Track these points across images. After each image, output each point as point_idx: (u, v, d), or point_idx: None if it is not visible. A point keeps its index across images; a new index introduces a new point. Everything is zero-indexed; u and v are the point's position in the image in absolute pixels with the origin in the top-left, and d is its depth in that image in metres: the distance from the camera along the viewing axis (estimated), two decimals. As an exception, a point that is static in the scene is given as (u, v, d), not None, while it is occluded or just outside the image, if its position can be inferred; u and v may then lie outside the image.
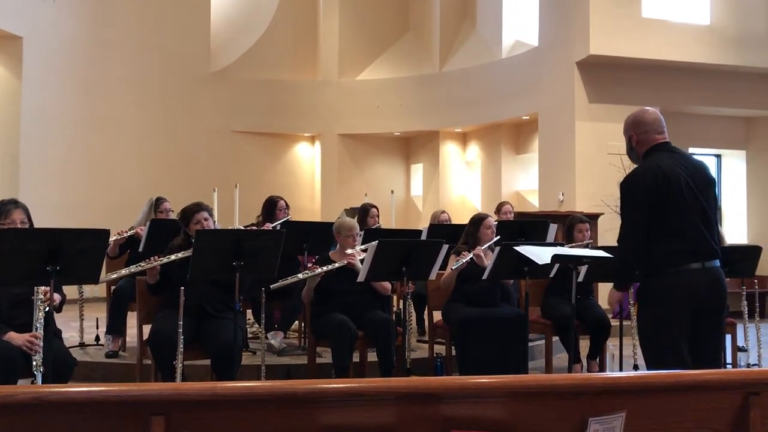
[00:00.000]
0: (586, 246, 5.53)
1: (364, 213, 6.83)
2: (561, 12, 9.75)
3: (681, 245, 3.33)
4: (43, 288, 3.43)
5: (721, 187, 11.04)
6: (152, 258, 4.20)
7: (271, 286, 4.73)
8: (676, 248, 3.33)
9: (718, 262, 3.41)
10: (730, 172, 10.97)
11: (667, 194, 3.33)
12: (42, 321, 3.44)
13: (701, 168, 3.52)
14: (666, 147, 3.47)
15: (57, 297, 3.60)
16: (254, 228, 6.04)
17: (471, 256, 5.07)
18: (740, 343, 6.17)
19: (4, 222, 3.61)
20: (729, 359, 5.75)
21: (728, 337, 5.71)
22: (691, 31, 9.40)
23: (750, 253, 5.62)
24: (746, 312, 5.96)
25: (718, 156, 11.00)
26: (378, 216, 6.88)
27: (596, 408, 1.73)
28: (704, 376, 1.89)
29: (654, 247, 3.39)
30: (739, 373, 1.90)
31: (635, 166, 3.61)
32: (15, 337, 3.48)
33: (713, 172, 11.64)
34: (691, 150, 10.73)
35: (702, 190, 3.42)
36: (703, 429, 1.82)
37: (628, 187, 3.45)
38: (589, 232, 5.74)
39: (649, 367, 3.57)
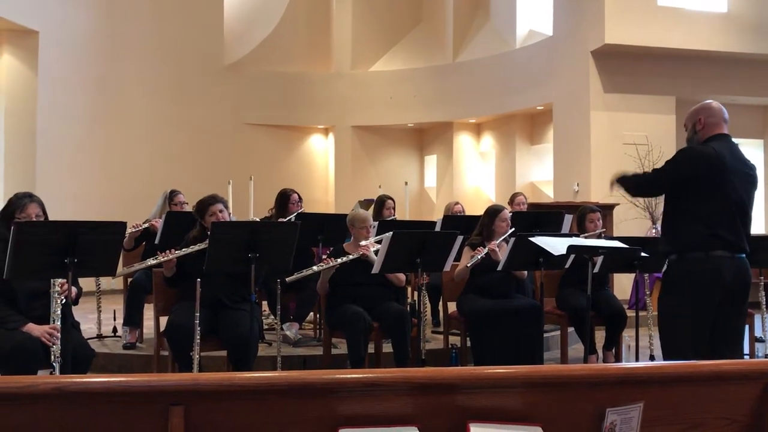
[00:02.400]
0: (599, 235, 5.50)
1: (380, 204, 6.81)
2: (575, 1, 9.66)
3: (713, 231, 3.39)
4: (60, 280, 3.46)
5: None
6: (168, 251, 4.22)
7: (287, 280, 4.75)
8: (707, 232, 3.39)
9: (744, 256, 3.48)
10: (748, 161, 10.85)
11: (714, 178, 3.41)
12: (59, 313, 3.48)
13: (751, 168, 3.59)
14: (726, 139, 3.56)
15: (73, 290, 3.63)
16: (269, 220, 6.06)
17: (486, 251, 5.05)
18: (758, 333, 6.12)
19: (20, 216, 3.65)
20: (747, 350, 5.71)
21: (746, 328, 5.67)
22: (708, 19, 9.29)
23: (768, 243, 5.56)
24: (764, 303, 5.91)
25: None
26: (394, 208, 6.86)
27: (614, 398, 1.73)
28: (723, 367, 1.88)
29: (686, 227, 3.45)
30: (758, 364, 1.88)
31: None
32: (34, 329, 3.52)
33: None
34: (707, 139, 10.62)
35: (746, 188, 3.50)
36: (722, 420, 1.81)
37: (683, 154, 3.55)
38: (600, 221, 5.71)
39: (664, 351, 3.57)
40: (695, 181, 3.43)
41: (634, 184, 3.75)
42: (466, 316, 5.10)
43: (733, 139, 3.65)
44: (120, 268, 3.93)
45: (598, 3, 9.04)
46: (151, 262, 4.27)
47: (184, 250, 4.21)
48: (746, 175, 3.51)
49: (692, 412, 1.80)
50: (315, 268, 4.79)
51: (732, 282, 3.39)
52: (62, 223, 3.42)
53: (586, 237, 5.36)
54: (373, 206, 6.97)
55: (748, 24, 9.40)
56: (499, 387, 1.71)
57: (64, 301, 3.51)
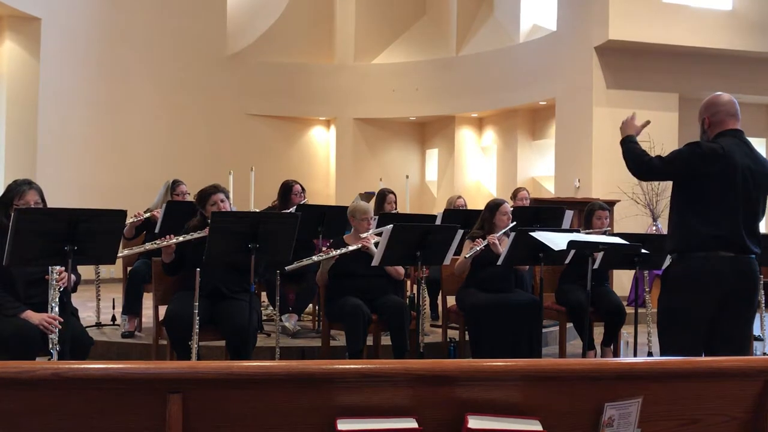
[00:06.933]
0: (604, 233, 5.49)
1: (381, 199, 6.77)
2: (580, -4, 9.63)
3: (714, 231, 3.29)
4: (58, 268, 3.46)
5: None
6: (167, 236, 4.21)
7: (286, 268, 4.75)
8: (708, 233, 3.29)
9: (753, 257, 3.36)
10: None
11: (717, 176, 3.30)
12: (57, 301, 3.48)
13: (763, 165, 3.44)
14: (736, 134, 3.42)
15: (72, 277, 3.63)
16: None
17: (485, 243, 5.05)
18: (756, 332, 6.12)
19: (18, 203, 3.65)
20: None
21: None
22: (713, 17, 9.26)
23: (769, 241, 5.55)
24: (764, 301, 5.91)
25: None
26: (396, 203, 6.83)
27: (612, 393, 1.72)
28: (722, 364, 1.87)
29: (687, 226, 3.36)
30: (757, 361, 1.88)
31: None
32: (33, 316, 3.52)
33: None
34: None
35: (759, 186, 3.37)
36: (721, 416, 1.81)
37: (689, 147, 3.40)
38: (608, 219, 5.70)
39: (661, 351, 3.54)
40: (699, 178, 3.32)
41: (631, 158, 3.50)
42: (465, 309, 5.10)
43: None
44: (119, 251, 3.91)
45: (602, -2, 9.01)
46: (149, 246, 4.28)
47: (183, 237, 4.20)
48: (757, 173, 3.37)
49: (691, 408, 1.80)
50: (315, 257, 4.79)
51: (734, 284, 3.29)
52: (63, 210, 3.41)
53: (590, 233, 5.35)
54: (374, 200, 6.95)
55: (753, 22, 9.37)
56: (498, 380, 1.71)
57: (62, 289, 3.51)
